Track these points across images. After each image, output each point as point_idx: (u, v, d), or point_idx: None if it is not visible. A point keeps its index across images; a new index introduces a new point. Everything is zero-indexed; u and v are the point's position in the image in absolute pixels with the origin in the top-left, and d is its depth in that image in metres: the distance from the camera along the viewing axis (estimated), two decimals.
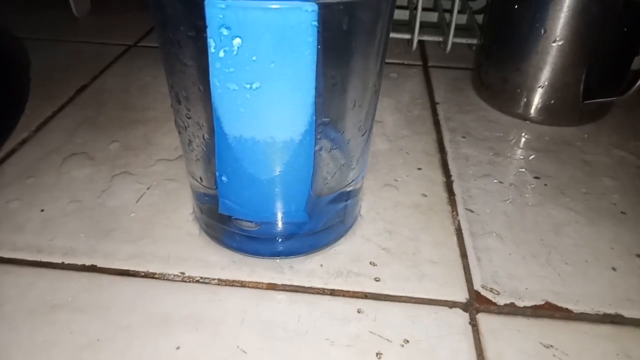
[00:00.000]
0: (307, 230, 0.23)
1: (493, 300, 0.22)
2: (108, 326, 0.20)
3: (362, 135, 0.21)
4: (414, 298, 0.22)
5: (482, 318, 0.21)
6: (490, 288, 0.22)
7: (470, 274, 0.23)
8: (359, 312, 0.21)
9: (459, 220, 0.26)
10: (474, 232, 0.25)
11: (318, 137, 0.20)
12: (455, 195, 0.28)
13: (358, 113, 0.20)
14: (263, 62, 0.17)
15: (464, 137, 0.33)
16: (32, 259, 0.23)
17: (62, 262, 0.23)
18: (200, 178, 0.22)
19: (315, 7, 0.16)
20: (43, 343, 0.19)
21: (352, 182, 0.23)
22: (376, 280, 0.22)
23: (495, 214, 0.26)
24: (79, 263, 0.23)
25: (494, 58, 0.35)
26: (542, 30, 0.31)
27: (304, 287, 0.22)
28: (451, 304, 0.21)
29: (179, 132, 0.22)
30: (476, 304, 0.21)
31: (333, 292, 0.22)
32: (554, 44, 0.31)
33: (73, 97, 0.36)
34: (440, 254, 0.24)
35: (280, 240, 0.23)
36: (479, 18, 0.46)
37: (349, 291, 0.22)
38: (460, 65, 0.43)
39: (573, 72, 0.32)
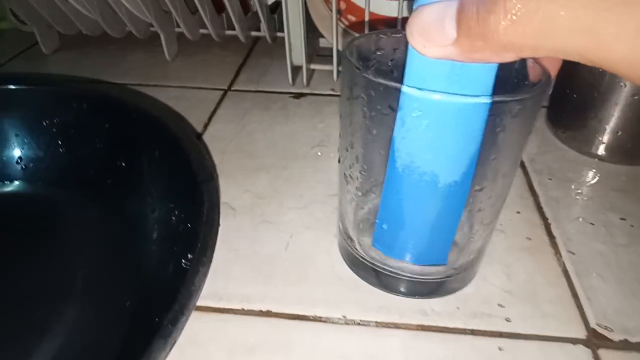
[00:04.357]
0: (449, 275, 0.27)
1: (609, 337, 0.26)
2: None
3: (504, 200, 0.26)
4: (542, 336, 0.26)
5: (602, 353, 0.25)
6: (605, 326, 0.26)
7: (584, 313, 0.27)
8: (500, 349, 0.25)
9: (563, 262, 0.30)
10: (579, 273, 0.29)
11: (470, 200, 0.24)
12: (555, 238, 0.32)
13: (506, 181, 0.25)
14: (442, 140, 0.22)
15: (550, 179, 0.37)
16: (215, 305, 0.28)
17: (242, 309, 0.28)
18: (352, 229, 0.27)
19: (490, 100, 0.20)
20: None
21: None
22: (507, 321, 0.27)
23: (593, 255, 0.31)
24: (256, 309, 0.27)
25: (571, 104, 0.39)
26: (623, 85, 0.35)
27: (448, 327, 0.26)
28: (574, 341, 0.26)
29: (346, 183, 0.26)
30: (595, 340, 0.26)
31: (474, 332, 0.26)
32: (632, 97, 0.35)
33: None
34: (555, 294, 0.28)
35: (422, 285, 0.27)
36: None
37: (486, 331, 0.26)
38: None
39: None
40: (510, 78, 0.24)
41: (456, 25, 0.16)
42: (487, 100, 0.20)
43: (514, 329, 0.26)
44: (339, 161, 0.28)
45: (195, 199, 0.26)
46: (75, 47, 0.57)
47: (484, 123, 0.21)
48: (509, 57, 0.16)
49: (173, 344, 0.19)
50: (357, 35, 0.47)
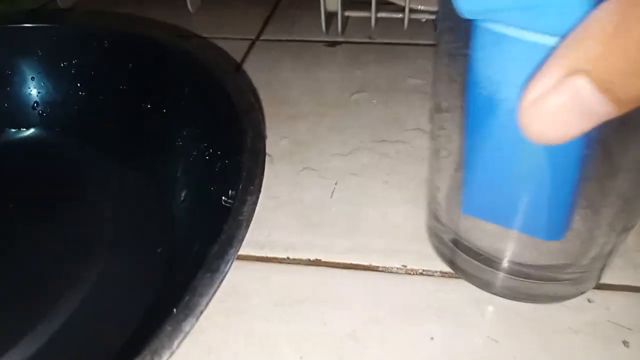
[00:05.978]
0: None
1: None
2: (357, 318, 0.21)
3: None
4: (636, 287, 0.22)
5: None
6: None
7: None
8: (589, 301, 0.22)
9: None
10: None
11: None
12: None
13: None
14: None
15: None
16: (257, 254, 0.25)
17: (287, 257, 0.24)
18: (438, 187, 0.23)
19: None
20: (302, 334, 0.21)
21: None
22: None
23: None
24: (304, 258, 0.24)
25: None
26: None
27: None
28: None
29: (433, 139, 0.23)
30: None
31: None
32: None
33: None
34: None
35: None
36: None
37: None
38: None
39: None
40: None
41: None
42: None
43: (603, 280, 0.23)
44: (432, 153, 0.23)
45: (234, 131, 0.23)
46: (92, 2, 0.54)
47: None
48: None
49: (221, 281, 0.15)
50: None
